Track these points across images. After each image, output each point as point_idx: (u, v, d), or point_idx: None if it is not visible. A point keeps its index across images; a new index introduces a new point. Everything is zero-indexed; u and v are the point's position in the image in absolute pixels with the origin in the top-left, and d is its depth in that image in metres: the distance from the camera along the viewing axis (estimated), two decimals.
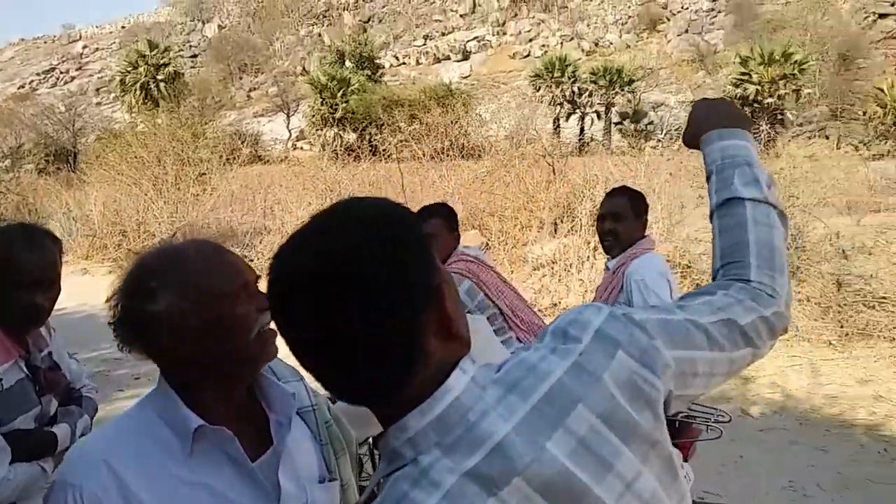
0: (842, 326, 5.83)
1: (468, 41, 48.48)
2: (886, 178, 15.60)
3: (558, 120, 36.19)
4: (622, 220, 2.76)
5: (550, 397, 0.74)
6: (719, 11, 42.48)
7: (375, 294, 0.69)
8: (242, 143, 18.94)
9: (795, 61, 29.11)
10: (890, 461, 4.00)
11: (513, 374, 0.76)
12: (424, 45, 50.35)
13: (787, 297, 0.94)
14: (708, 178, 1.05)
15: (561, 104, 36.30)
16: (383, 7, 57.44)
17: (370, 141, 23.14)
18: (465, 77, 45.49)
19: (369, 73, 41.74)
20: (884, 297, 6.22)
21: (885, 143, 25.23)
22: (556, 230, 10.87)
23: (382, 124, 22.92)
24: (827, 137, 28.94)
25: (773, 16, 39.38)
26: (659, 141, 27.67)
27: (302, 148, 38.78)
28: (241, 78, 52.55)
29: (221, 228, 12.06)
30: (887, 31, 36.20)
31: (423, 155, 14.24)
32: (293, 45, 55.56)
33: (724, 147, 1.05)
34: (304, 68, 49.43)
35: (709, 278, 1.00)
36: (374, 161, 15.53)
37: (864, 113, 28.26)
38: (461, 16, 52.08)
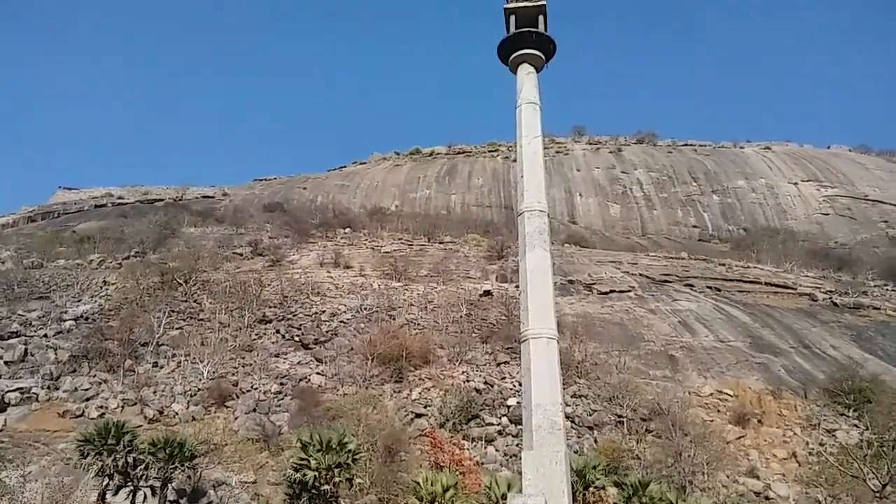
0: None
1: (9, 391, 41.67)
2: None
3: (105, 494, 31.64)
4: None
5: None
6: (286, 395, 45.40)
7: None
8: None
9: (349, 450, 31.60)
10: None
11: None
12: None
13: None
14: None
15: (111, 475, 32.13)
16: None
17: None
18: None
19: None
20: None
21: None
22: None
23: None
24: None
25: (333, 404, 43.59)
26: None
27: None
28: None
29: None
30: (422, 429, 42.61)
31: None
32: None
33: None
34: None
35: None
36: None
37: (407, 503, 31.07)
38: (6, 363, 45.45)
